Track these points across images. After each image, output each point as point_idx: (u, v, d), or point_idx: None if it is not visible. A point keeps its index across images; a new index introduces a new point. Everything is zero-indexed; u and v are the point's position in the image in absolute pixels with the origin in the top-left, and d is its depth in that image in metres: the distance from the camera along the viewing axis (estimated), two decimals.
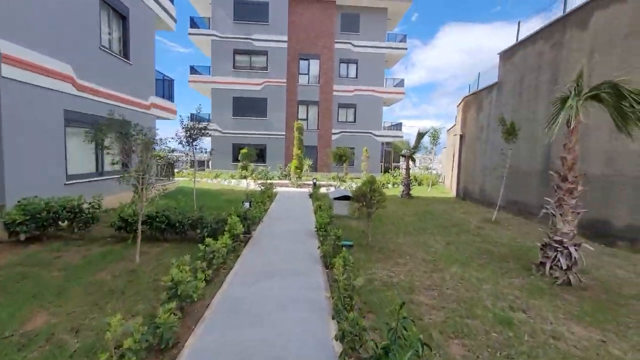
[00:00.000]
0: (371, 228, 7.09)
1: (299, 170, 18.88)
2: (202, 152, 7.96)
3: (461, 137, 15.45)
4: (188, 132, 7.58)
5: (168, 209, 6.53)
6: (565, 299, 4.46)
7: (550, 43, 9.42)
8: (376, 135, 28.06)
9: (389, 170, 28.07)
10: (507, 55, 11.79)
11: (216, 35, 25.24)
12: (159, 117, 12.84)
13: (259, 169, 22.84)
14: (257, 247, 6.30)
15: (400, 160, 31.81)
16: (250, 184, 16.73)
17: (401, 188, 15.50)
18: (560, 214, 4.96)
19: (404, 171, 16.44)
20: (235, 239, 5.93)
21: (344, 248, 6.23)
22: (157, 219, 6.29)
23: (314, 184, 14.62)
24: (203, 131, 7.79)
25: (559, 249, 4.93)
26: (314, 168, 26.46)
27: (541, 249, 5.27)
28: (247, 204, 7.26)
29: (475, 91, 14.27)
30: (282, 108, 26.34)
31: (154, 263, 5.28)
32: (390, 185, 19.54)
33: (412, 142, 15.87)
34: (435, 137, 17.92)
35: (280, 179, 22.37)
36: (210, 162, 27.49)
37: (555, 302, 4.37)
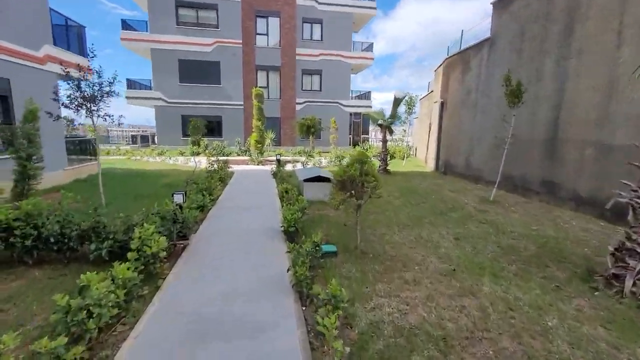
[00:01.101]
0: (360, 225, 5.12)
1: (260, 145, 16.38)
2: (106, 120, 5.38)
3: (442, 104, 13.82)
4: (79, 91, 4.94)
5: (40, 211, 4.01)
6: None
7: None
8: (344, 106, 25.91)
9: (358, 144, 26.36)
10: (503, 3, 9.97)
11: None
12: (63, 77, 9.54)
13: (213, 144, 19.89)
14: (191, 268, 4.09)
15: (371, 132, 30.18)
16: (202, 162, 14.02)
17: (377, 163, 13.73)
18: None
19: (380, 144, 14.66)
20: (153, 259, 3.65)
21: (325, 258, 4.26)
22: (19, 230, 3.79)
23: (278, 160, 12.34)
24: (106, 90, 5.19)
25: None
26: (277, 142, 23.94)
27: (613, 254, 3.65)
28: (178, 197, 4.91)
29: (460, 50, 12.49)
30: (239, 74, 23.04)
31: None
32: None
33: (387, 112, 14.03)
34: (411, 105, 16.19)
35: (239, 155, 19.68)
36: (156, 138, 23.76)
37: None
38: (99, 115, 5.31)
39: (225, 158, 17.24)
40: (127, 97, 21.89)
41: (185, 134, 21.90)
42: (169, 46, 21.82)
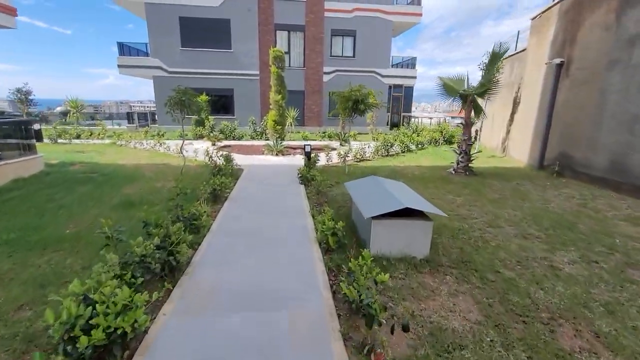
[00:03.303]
0: None
1: (279, 127, 12.17)
2: None
3: (559, 66, 8.95)
4: None
5: None
6: None
7: None
8: (382, 76, 20.99)
9: (401, 124, 21.64)
10: None
11: None
12: None
13: (221, 124, 15.88)
14: None
15: (414, 109, 25.16)
16: (201, 149, 9.93)
17: (455, 156, 9.28)
18: None
19: (460, 128, 10.11)
20: None
21: None
22: None
23: (308, 154, 8.15)
24: None
25: None
26: (300, 121, 19.65)
27: None
28: None
29: None
30: (253, 35, 18.53)
31: None
32: (413, 147, 13.26)
33: (470, 78, 9.29)
34: (495, 68, 11.29)
35: (253, 138, 15.65)
36: (156, 116, 19.94)
37: None
38: None
39: (234, 143, 13.24)
40: (119, 66, 18.00)
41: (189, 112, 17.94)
42: None
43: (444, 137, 15.45)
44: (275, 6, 18.70)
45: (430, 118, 24.05)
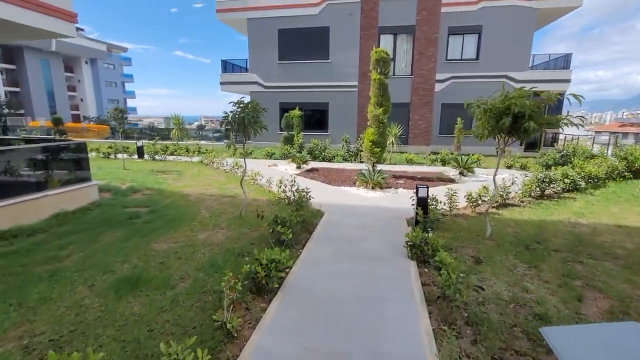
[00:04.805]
0: None
1: (378, 150, 9.30)
2: None
3: None
4: None
5: None
6: None
7: None
8: (517, 81, 16.01)
9: (539, 144, 16.22)
10: None
11: None
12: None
13: (311, 142, 13.95)
14: None
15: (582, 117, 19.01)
16: (277, 178, 7.79)
17: None
18: None
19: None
20: None
21: None
22: None
23: (423, 199, 5.08)
24: None
25: None
26: (404, 140, 16.35)
27: None
28: None
29: None
30: (354, 42, 16.33)
31: None
32: (582, 183, 8.51)
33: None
34: None
35: (346, 159, 13.19)
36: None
37: None
38: None
39: (322, 166, 10.82)
40: (221, 83, 18.22)
41: (282, 128, 16.74)
42: (268, 12, 16.87)
43: (629, 167, 10.05)
44: (380, 7, 16.13)
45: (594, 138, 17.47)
